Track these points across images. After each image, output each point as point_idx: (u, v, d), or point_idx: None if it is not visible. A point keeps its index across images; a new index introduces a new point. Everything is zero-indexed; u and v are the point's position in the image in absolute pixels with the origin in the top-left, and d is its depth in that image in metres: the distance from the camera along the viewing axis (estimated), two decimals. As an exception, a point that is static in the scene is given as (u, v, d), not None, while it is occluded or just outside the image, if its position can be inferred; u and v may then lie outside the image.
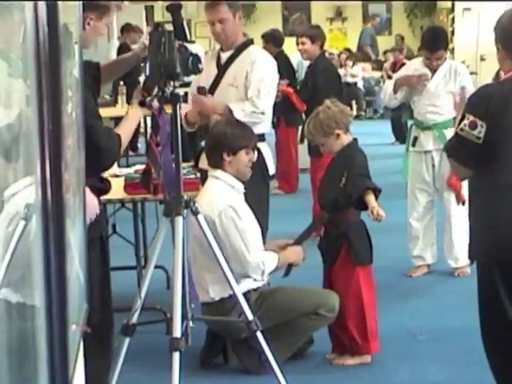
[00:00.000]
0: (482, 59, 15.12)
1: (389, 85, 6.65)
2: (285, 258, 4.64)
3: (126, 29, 12.87)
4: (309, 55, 8.01)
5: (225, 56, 5.29)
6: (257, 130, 4.96)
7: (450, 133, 6.28)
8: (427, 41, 6.48)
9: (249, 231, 4.52)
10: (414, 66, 6.58)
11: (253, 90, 5.10)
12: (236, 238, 4.47)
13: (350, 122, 4.79)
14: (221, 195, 4.55)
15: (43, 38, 1.23)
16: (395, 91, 6.49)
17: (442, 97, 6.34)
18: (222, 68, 5.27)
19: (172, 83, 3.55)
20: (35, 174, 1.26)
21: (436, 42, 6.37)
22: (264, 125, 5.23)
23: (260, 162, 5.00)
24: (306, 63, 8.65)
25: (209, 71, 5.22)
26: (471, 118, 3.42)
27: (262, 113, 5.09)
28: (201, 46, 11.98)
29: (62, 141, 1.34)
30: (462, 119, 3.47)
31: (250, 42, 5.43)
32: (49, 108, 1.27)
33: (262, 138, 5.17)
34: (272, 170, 5.35)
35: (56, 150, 1.30)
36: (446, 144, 3.81)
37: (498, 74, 12.02)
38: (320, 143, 4.79)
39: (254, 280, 4.54)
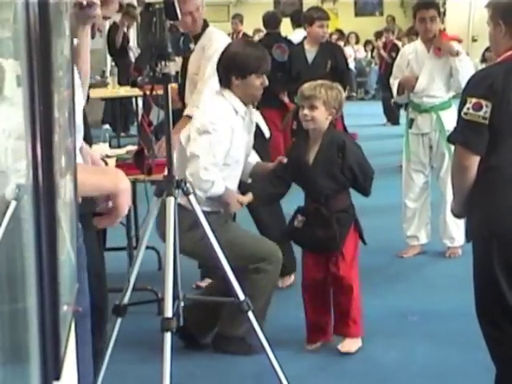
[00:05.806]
0: (474, 40, 15.11)
1: (394, 83, 6.58)
2: (228, 196, 4.48)
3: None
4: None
5: None
6: None
7: (446, 114, 6.25)
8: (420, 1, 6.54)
9: (219, 147, 4.38)
10: (412, 48, 6.54)
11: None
12: (204, 149, 4.35)
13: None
14: (219, 112, 4.46)
15: (33, 16, 1.23)
16: (400, 94, 6.47)
17: (438, 78, 6.31)
18: (186, 57, 5.24)
19: (163, 63, 3.53)
20: (26, 154, 1.26)
21: (430, 1, 6.43)
22: None
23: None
24: None
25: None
26: (474, 100, 3.39)
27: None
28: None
29: (53, 121, 1.34)
30: (464, 105, 3.44)
31: (206, 25, 5.41)
32: (40, 88, 1.26)
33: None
34: (267, 133, 5.24)
35: (47, 130, 1.30)
36: (449, 134, 3.77)
37: (484, 55, 12.01)
38: (314, 105, 4.59)
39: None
